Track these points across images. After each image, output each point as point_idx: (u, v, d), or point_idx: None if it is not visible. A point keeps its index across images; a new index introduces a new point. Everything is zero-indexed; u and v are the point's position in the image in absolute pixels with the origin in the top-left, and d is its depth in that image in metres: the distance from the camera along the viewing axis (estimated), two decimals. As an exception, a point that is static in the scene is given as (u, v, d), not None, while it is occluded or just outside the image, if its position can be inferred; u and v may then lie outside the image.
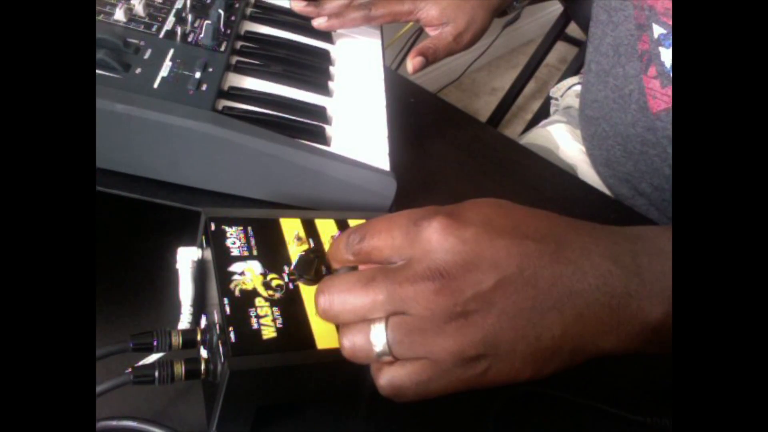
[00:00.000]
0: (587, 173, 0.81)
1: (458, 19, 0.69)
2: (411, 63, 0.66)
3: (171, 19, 0.56)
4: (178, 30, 0.54)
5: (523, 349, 0.33)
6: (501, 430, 0.42)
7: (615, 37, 0.71)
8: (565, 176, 0.72)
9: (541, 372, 0.34)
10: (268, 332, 0.37)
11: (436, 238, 0.32)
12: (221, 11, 0.57)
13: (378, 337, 0.33)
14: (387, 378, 0.34)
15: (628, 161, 0.73)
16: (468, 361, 0.33)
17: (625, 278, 0.34)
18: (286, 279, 0.41)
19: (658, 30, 0.66)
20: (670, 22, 0.65)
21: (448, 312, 0.32)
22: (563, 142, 0.85)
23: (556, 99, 1.00)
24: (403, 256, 0.33)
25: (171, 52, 0.52)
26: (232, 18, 0.61)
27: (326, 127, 0.55)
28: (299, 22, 0.67)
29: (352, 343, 0.34)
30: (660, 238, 0.37)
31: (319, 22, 0.66)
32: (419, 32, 1.68)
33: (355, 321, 0.34)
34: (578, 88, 0.94)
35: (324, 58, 0.65)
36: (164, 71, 0.49)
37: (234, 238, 0.42)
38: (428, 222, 0.33)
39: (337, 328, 0.39)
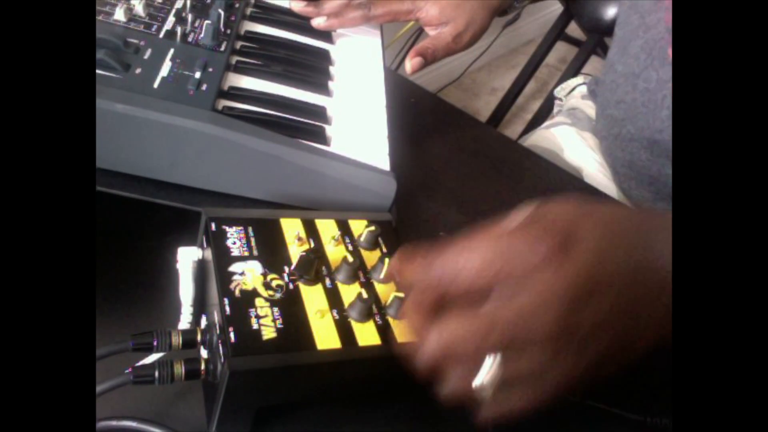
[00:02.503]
0: (594, 176, 0.80)
1: (458, 19, 0.68)
2: (409, 63, 0.66)
3: (171, 19, 0.56)
4: (178, 30, 0.54)
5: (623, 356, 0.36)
6: (500, 427, 0.42)
7: (646, 40, 0.70)
8: (565, 176, 0.72)
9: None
10: (268, 332, 0.37)
11: (547, 284, 0.32)
12: (221, 11, 0.57)
13: (489, 374, 0.33)
14: (488, 414, 0.35)
15: (653, 165, 0.72)
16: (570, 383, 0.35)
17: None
18: (287, 279, 0.41)
19: None
20: None
21: (559, 354, 0.33)
22: (568, 144, 0.84)
23: (560, 99, 1.00)
24: (511, 276, 0.33)
25: (171, 52, 0.52)
26: (232, 18, 0.61)
27: (326, 127, 0.55)
28: (299, 22, 0.67)
29: (459, 380, 0.34)
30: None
31: (318, 22, 0.66)
32: (419, 32, 1.68)
33: (466, 358, 0.34)
34: (584, 88, 0.93)
35: (324, 58, 0.65)
36: (164, 71, 0.49)
37: (234, 238, 0.42)
38: (533, 252, 0.32)
39: (337, 328, 0.39)
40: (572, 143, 0.84)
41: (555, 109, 1.02)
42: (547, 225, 0.34)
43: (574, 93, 0.96)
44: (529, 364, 0.34)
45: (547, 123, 0.93)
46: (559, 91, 1.00)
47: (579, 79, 0.98)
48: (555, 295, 0.32)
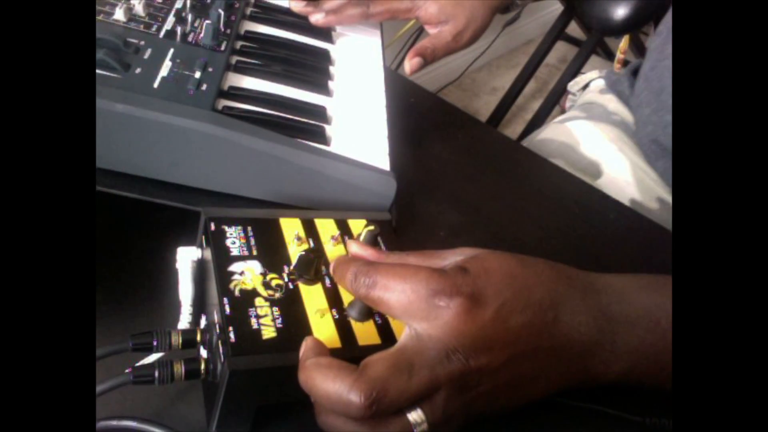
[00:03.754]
0: (613, 169, 0.79)
1: (458, 18, 0.68)
2: (409, 64, 0.65)
3: (171, 19, 0.56)
4: (178, 30, 0.54)
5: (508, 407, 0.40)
6: (498, 430, 0.42)
7: None
8: (565, 176, 0.72)
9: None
10: (268, 332, 0.37)
11: (456, 323, 0.36)
12: (221, 11, 0.57)
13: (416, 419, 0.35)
14: None
15: None
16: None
17: (603, 344, 0.40)
18: (286, 279, 0.41)
19: None
20: None
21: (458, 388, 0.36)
22: (585, 137, 0.82)
23: (574, 94, 0.99)
24: (414, 323, 0.36)
25: (171, 52, 0.52)
26: (232, 18, 0.61)
27: (326, 126, 0.55)
28: (299, 22, 0.67)
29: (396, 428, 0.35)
30: (639, 304, 0.42)
31: (316, 18, 0.66)
32: (419, 32, 1.68)
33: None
34: (601, 82, 0.92)
35: (324, 57, 0.65)
36: (164, 71, 0.49)
37: (234, 238, 0.42)
38: (447, 303, 0.36)
39: (337, 328, 0.39)
40: (589, 136, 0.82)
41: (567, 104, 1.00)
42: (465, 280, 0.37)
43: (591, 87, 0.94)
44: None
45: (560, 117, 0.91)
46: (572, 86, 0.99)
47: (594, 73, 0.96)
48: (455, 339, 0.36)
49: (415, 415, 0.35)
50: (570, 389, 0.41)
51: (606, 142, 0.81)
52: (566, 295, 0.40)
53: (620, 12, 1.14)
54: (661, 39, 0.78)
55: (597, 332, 0.40)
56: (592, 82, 0.95)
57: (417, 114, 0.72)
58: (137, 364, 0.37)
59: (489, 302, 0.37)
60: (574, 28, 1.50)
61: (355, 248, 0.42)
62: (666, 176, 0.78)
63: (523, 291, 0.38)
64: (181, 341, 0.39)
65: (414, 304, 0.36)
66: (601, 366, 0.41)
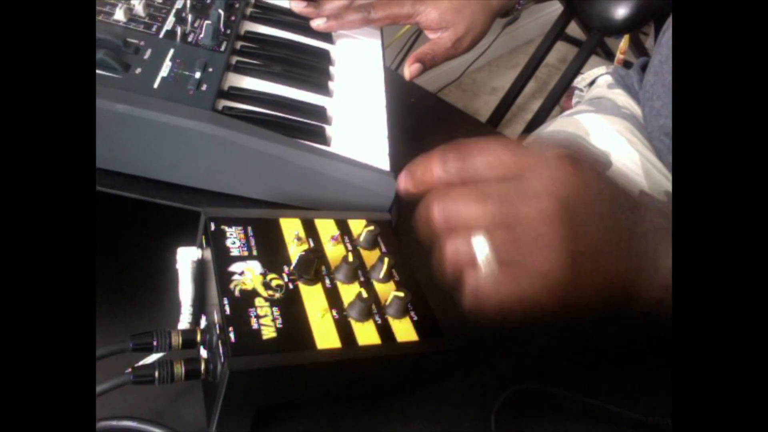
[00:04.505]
0: (623, 159, 0.79)
1: (458, 24, 0.68)
2: (408, 70, 0.66)
3: (171, 19, 0.56)
4: (178, 30, 0.54)
5: (595, 270, 0.38)
6: (501, 427, 0.42)
7: None
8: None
9: (601, 292, 0.39)
10: (268, 332, 0.37)
11: (552, 170, 0.36)
12: (221, 11, 0.57)
13: (481, 246, 0.36)
14: (473, 285, 0.37)
15: None
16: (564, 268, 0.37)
17: (662, 237, 0.40)
18: (286, 279, 0.41)
19: None
20: None
21: (554, 233, 0.36)
22: (595, 129, 0.83)
23: (581, 90, 0.99)
24: (511, 175, 0.36)
25: (171, 52, 0.52)
26: (232, 18, 0.61)
27: (326, 127, 0.55)
28: (299, 22, 0.67)
29: (455, 248, 0.37)
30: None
31: (317, 23, 0.66)
32: (419, 33, 1.68)
33: (463, 229, 0.37)
34: (608, 77, 0.93)
35: (324, 58, 0.65)
36: (164, 71, 0.49)
37: (234, 238, 0.42)
38: (543, 152, 0.37)
39: (337, 328, 0.39)
40: (599, 128, 0.83)
41: (574, 100, 1.01)
42: (555, 146, 0.38)
43: (599, 82, 0.95)
44: (518, 243, 0.36)
45: (569, 111, 0.91)
46: (580, 81, 1.00)
47: (601, 69, 0.97)
48: (558, 188, 0.36)
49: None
50: (640, 293, 0.40)
51: (615, 134, 0.82)
52: (621, 191, 0.41)
53: (620, 12, 1.14)
54: (671, 32, 0.78)
55: (659, 226, 0.41)
56: (599, 78, 0.95)
57: (417, 114, 0.72)
58: (137, 364, 0.37)
59: (583, 162, 0.38)
60: (574, 28, 1.50)
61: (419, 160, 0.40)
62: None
63: (601, 174, 0.40)
64: (181, 341, 0.39)
65: (510, 158, 0.36)
66: (646, 278, 0.40)
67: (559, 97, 1.42)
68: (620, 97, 0.88)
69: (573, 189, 0.36)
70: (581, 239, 0.37)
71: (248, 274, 0.40)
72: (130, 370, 0.37)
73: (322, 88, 0.59)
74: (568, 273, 0.37)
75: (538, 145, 0.38)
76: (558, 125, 0.87)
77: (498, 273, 0.37)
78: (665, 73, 0.78)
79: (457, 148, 0.38)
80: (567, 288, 0.37)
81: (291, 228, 0.44)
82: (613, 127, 0.83)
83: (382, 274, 0.43)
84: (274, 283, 0.40)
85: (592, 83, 0.97)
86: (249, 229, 0.43)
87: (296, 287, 0.41)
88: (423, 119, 0.72)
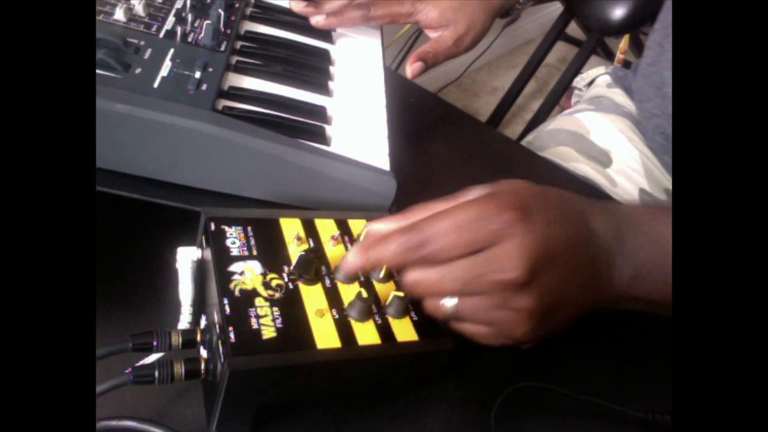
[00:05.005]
0: (623, 156, 0.80)
1: (458, 22, 0.68)
2: (410, 69, 0.66)
3: (171, 19, 0.56)
4: (178, 30, 0.54)
5: (564, 314, 0.42)
6: (501, 425, 0.42)
7: None
8: (566, 176, 0.72)
9: (569, 324, 0.43)
10: (268, 332, 0.37)
11: (513, 241, 0.37)
12: (221, 11, 0.57)
13: (449, 306, 0.40)
14: (458, 329, 0.42)
15: None
16: (529, 332, 0.40)
17: (616, 252, 0.43)
18: (286, 279, 0.41)
19: None
20: None
21: (517, 298, 0.38)
22: (595, 127, 0.84)
23: (580, 89, 1.00)
24: (474, 251, 0.38)
25: (171, 52, 0.52)
26: (232, 18, 0.61)
27: (326, 127, 0.55)
28: (299, 22, 0.67)
29: (433, 306, 0.40)
30: (641, 217, 0.45)
31: (317, 20, 0.66)
32: (419, 33, 1.68)
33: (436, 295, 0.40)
34: (607, 77, 0.94)
35: (324, 58, 0.65)
36: (164, 71, 0.49)
37: (234, 238, 0.42)
38: (499, 221, 0.37)
39: (337, 328, 0.39)
40: (599, 126, 0.84)
41: (573, 100, 1.01)
42: (507, 198, 0.39)
43: (598, 82, 0.95)
44: (490, 311, 0.39)
45: (569, 110, 0.92)
46: (579, 81, 1.01)
47: (600, 69, 0.98)
48: (523, 251, 0.37)
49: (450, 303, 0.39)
50: (599, 306, 0.44)
51: (615, 131, 0.83)
52: (585, 205, 0.43)
53: (618, 12, 1.14)
54: (658, 35, 0.79)
55: (613, 239, 0.43)
56: (598, 78, 0.96)
57: (417, 114, 0.72)
58: (137, 364, 0.37)
59: (534, 212, 0.38)
60: (574, 28, 1.50)
61: (376, 226, 0.41)
62: (669, 169, 0.78)
63: (554, 203, 0.41)
64: (181, 341, 0.39)
65: (475, 236, 0.37)
66: (616, 273, 0.43)
67: (560, 96, 1.42)
68: (619, 96, 0.88)
69: (536, 252, 0.38)
70: (550, 296, 0.39)
71: (248, 274, 0.40)
72: (130, 370, 0.37)
73: (322, 88, 0.59)
74: (540, 325, 0.40)
75: (491, 203, 0.38)
76: (558, 124, 0.88)
77: (477, 330, 0.41)
78: (652, 74, 0.79)
79: (414, 230, 0.38)
80: (540, 332, 0.41)
81: (291, 228, 0.44)
82: (614, 125, 0.83)
83: (382, 274, 0.43)
84: (274, 283, 0.40)
85: (591, 83, 0.98)
86: (249, 229, 0.43)
87: (296, 287, 0.40)
88: (423, 119, 0.72)
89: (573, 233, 0.41)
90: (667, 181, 0.79)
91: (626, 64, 1.16)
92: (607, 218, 0.44)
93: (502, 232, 0.37)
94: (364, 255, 0.39)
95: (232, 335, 0.36)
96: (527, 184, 0.42)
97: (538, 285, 0.38)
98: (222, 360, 0.35)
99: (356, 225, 0.46)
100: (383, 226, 0.41)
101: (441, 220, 0.38)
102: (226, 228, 0.42)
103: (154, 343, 0.38)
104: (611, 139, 0.82)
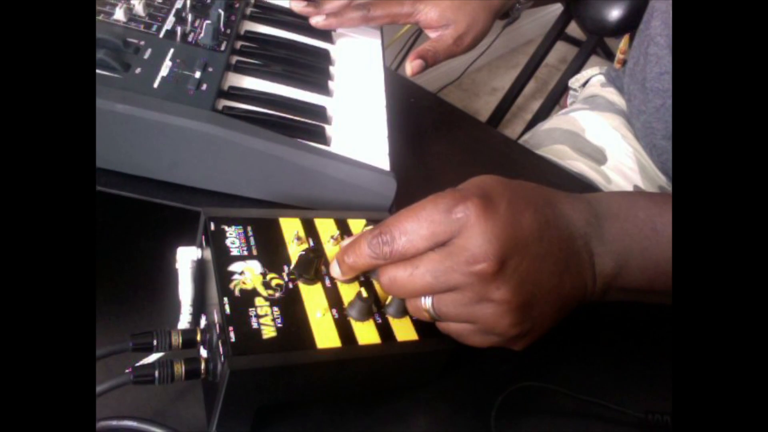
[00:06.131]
0: (617, 154, 0.80)
1: (459, 22, 0.68)
2: (410, 66, 0.65)
3: (171, 19, 0.56)
4: (178, 30, 0.54)
5: (547, 306, 0.40)
6: (501, 424, 0.42)
7: None
8: (565, 175, 0.72)
9: (558, 317, 0.42)
10: (268, 332, 0.37)
11: (479, 225, 0.37)
12: (221, 11, 0.57)
13: (428, 305, 0.40)
14: (444, 329, 0.41)
15: None
16: (511, 325, 0.39)
17: (594, 238, 0.43)
18: (286, 279, 0.41)
19: None
20: None
21: (492, 289, 0.38)
22: (590, 125, 0.84)
23: (575, 90, 1.00)
24: (439, 243, 0.38)
25: (171, 52, 0.52)
26: (232, 18, 0.61)
27: (326, 126, 0.55)
28: (299, 22, 0.67)
29: (413, 306, 0.40)
30: (616, 203, 0.45)
31: (316, 20, 0.66)
32: (419, 32, 1.68)
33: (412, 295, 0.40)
34: (601, 77, 0.95)
35: (324, 57, 0.65)
36: (164, 71, 0.49)
37: (234, 238, 0.42)
38: (464, 209, 0.37)
39: (337, 327, 0.39)
40: (593, 124, 0.84)
41: (569, 100, 1.02)
42: (469, 190, 0.39)
43: (592, 81, 0.96)
44: (467, 305, 0.39)
45: (564, 110, 0.93)
46: (574, 82, 1.01)
47: (595, 70, 0.99)
48: (489, 238, 0.37)
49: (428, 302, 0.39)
50: (587, 299, 0.43)
51: (610, 129, 0.83)
52: (553, 194, 0.43)
53: (614, 13, 1.14)
54: (641, 36, 0.79)
55: (586, 224, 0.43)
56: (592, 78, 0.97)
57: (417, 114, 0.72)
58: (137, 364, 0.37)
59: (497, 199, 0.38)
60: (574, 28, 1.50)
61: (347, 242, 0.42)
62: (661, 166, 0.79)
63: (519, 191, 0.41)
64: (181, 341, 0.39)
65: (437, 227, 0.37)
66: (599, 260, 0.43)
67: (559, 97, 1.42)
68: (612, 95, 0.90)
69: (503, 238, 0.38)
70: (525, 284, 0.39)
71: (248, 273, 0.40)
72: (130, 370, 0.37)
73: (322, 87, 0.59)
74: (521, 317, 0.39)
75: (452, 196, 0.38)
76: (554, 122, 0.88)
77: (462, 328, 0.40)
78: (636, 72, 0.80)
79: (381, 230, 0.39)
80: (524, 325, 0.40)
81: (291, 228, 0.44)
82: (608, 123, 0.84)
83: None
84: (274, 283, 0.40)
85: (585, 83, 0.98)
86: (249, 228, 0.43)
87: (296, 287, 0.41)
88: (423, 119, 0.72)
89: (543, 218, 0.40)
90: (659, 178, 0.79)
91: (626, 64, 1.16)
92: (578, 206, 0.43)
93: (465, 220, 0.37)
94: (342, 263, 0.41)
95: (232, 335, 0.36)
96: (492, 176, 0.41)
97: (511, 273, 0.38)
98: (222, 360, 0.35)
99: (356, 225, 0.47)
100: (353, 238, 0.42)
101: (404, 216, 0.38)
102: (226, 228, 0.42)
103: (154, 343, 0.38)
104: (606, 137, 0.83)
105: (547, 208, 0.41)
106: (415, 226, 0.38)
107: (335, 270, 0.41)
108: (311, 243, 0.44)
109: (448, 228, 0.37)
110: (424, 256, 0.38)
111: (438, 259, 0.38)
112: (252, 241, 0.42)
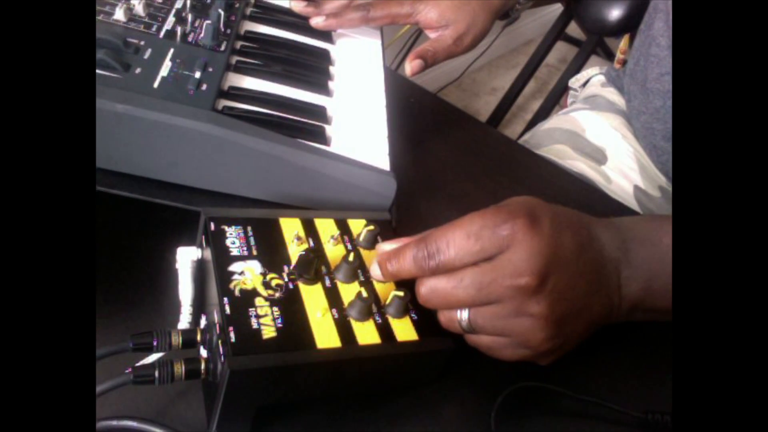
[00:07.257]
0: (618, 154, 0.81)
1: (458, 22, 0.68)
2: (409, 66, 0.65)
3: (171, 19, 0.56)
4: (178, 30, 0.54)
5: (578, 324, 0.42)
6: (501, 425, 0.42)
7: None
8: (565, 175, 0.72)
9: (585, 336, 0.44)
10: (268, 332, 0.37)
11: (526, 242, 0.38)
12: (221, 11, 0.57)
13: (464, 318, 0.41)
14: (475, 342, 0.43)
15: None
16: (545, 340, 0.40)
17: (622, 263, 0.44)
18: (286, 279, 0.41)
19: None
20: None
21: (531, 303, 0.39)
22: (590, 125, 0.84)
23: (575, 90, 1.00)
24: (485, 258, 0.39)
25: (171, 52, 0.52)
26: (232, 18, 0.61)
27: (326, 127, 0.55)
28: (299, 22, 0.67)
29: (446, 318, 0.41)
30: (643, 228, 0.46)
31: (316, 21, 0.66)
32: (419, 32, 1.68)
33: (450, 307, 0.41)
34: (601, 77, 0.95)
35: (324, 58, 0.65)
36: (164, 71, 0.49)
37: (234, 238, 0.42)
38: (511, 226, 0.38)
39: (337, 327, 0.39)
40: (594, 124, 0.84)
41: (569, 100, 1.02)
42: (515, 207, 0.40)
43: (593, 81, 0.96)
44: (505, 319, 0.40)
45: (564, 110, 0.93)
46: (574, 82, 1.01)
47: (595, 70, 0.99)
48: (534, 255, 0.38)
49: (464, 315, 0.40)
50: (612, 320, 0.45)
51: (610, 129, 0.83)
52: (587, 218, 0.44)
53: (614, 13, 1.14)
54: (642, 37, 0.79)
55: (616, 249, 0.44)
56: (593, 78, 0.97)
57: (417, 114, 0.72)
58: (137, 364, 0.37)
59: (542, 218, 0.39)
60: (574, 28, 1.50)
61: (386, 246, 0.43)
62: (661, 166, 0.79)
63: (559, 213, 0.42)
64: (181, 341, 0.39)
65: (485, 243, 0.38)
66: (626, 284, 0.44)
67: (559, 97, 1.42)
68: (613, 95, 0.90)
69: (546, 255, 0.39)
70: (562, 301, 0.40)
71: (248, 273, 0.40)
72: (130, 370, 0.37)
73: (322, 87, 0.59)
74: (555, 332, 0.40)
75: (500, 213, 0.39)
76: (554, 122, 0.88)
77: (494, 341, 0.42)
78: (637, 72, 0.80)
79: (426, 243, 0.39)
80: (556, 341, 0.41)
81: (291, 228, 0.44)
82: (608, 123, 0.84)
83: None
84: (274, 283, 0.40)
85: (585, 83, 0.98)
86: (249, 228, 0.43)
87: (296, 287, 0.41)
88: (423, 119, 0.72)
89: (580, 240, 0.42)
90: (658, 178, 0.80)
91: (626, 64, 1.16)
92: (612, 231, 0.45)
93: (512, 238, 0.38)
94: (384, 269, 0.41)
95: (232, 335, 0.36)
96: (532, 197, 0.42)
97: (550, 290, 0.39)
98: (222, 360, 0.35)
99: (356, 225, 0.47)
100: (393, 244, 0.42)
101: (451, 230, 0.39)
102: (226, 228, 0.42)
103: (154, 343, 0.38)
104: (606, 137, 0.83)
105: (584, 230, 0.43)
106: (464, 242, 0.38)
107: (375, 272, 0.42)
108: (311, 243, 0.44)
109: (496, 243, 0.38)
110: (468, 269, 0.39)
111: (482, 272, 0.39)
112: (252, 241, 0.42)
